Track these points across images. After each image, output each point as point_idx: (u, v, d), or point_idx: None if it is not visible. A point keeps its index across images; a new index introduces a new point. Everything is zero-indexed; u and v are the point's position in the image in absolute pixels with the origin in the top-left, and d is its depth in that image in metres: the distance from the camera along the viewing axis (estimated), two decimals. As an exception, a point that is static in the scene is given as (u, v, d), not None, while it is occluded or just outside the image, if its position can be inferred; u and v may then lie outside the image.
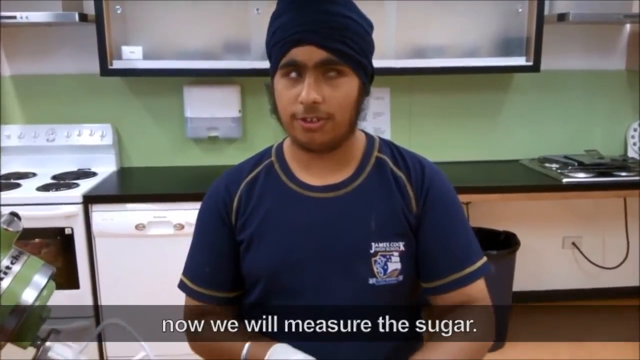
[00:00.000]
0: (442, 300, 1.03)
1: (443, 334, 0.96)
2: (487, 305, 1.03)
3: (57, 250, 2.39)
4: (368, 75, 0.99)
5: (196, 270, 1.09)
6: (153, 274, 2.32)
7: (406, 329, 1.06)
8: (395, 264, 1.00)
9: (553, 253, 3.10)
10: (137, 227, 2.35)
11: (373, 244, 0.99)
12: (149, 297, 2.18)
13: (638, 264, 3.09)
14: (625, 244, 3.06)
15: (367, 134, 1.09)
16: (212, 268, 1.08)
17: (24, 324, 0.65)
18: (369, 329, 1.01)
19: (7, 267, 0.64)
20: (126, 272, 2.38)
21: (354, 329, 1.01)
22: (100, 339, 2.42)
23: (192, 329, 1.08)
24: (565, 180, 2.46)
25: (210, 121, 2.78)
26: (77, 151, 2.78)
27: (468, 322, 0.97)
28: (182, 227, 2.35)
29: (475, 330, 0.97)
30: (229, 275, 1.07)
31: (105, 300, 2.42)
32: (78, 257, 2.37)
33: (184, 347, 1.11)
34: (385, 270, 1.00)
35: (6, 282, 0.63)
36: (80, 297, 2.38)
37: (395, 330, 1.04)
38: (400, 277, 1.01)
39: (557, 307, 3.11)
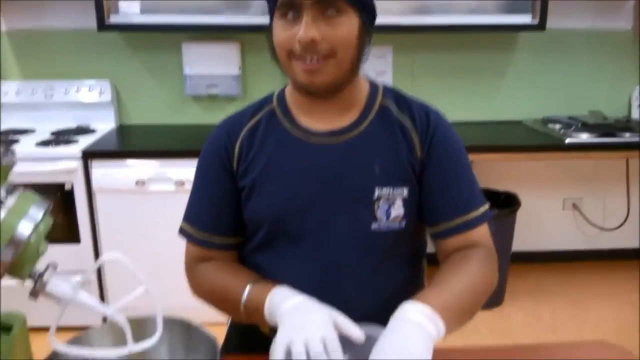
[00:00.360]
0: (447, 245, 1.03)
1: (446, 273, 0.96)
2: (491, 248, 1.03)
3: (58, 206, 2.39)
4: (369, 16, 0.96)
5: (197, 216, 1.09)
6: (154, 230, 2.33)
7: (406, 275, 1.07)
8: (398, 210, 0.99)
9: (553, 214, 3.10)
10: (137, 183, 2.35)
11: (376, 189, 0.98)
12: (149, 253, 2.19)
13: (638, 226, 3.09)
14: (626, 205, 3.06)
15: (370, 81, 1.07)
16: (213, 213, 1.07)
17: (21, 257, 0.64)
18: (369, 274, 1.01)
19: (3, 199, 0.64)
20: (127, 228, 2.39)
21: (355, 273, 1.01)
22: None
23: (193, 274, 1.09)
24: (568, 140, 2.44)
25: (210, 79, 2.74)
26: (76, 108, 2.76)
27: (472, 261, 0.98)
28: (182, 184, 2.34)
29: (478, 269, 0.97)
30: (230, 220, 1.07)
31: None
32: (78, 213, 2.38)
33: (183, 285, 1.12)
34: (388, 216, 0.99)
35: (1, 215, 0.63)
36: (81, 251, 2.40)
37: (395, 275, 1.04)
38: (403, 224, 1.00)
39: (556, 268, 3.13)
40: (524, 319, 2.70)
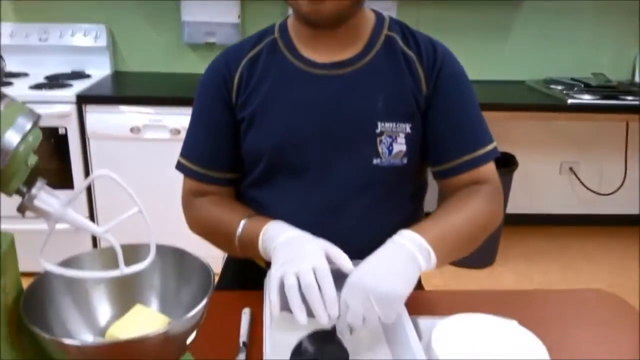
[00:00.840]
0: (453, 184, 1.01)
1: (447, 206, 0.95)
2: (498, 185, 1.01)
3: (51, 151, 2.36)
4: None
5: (194, 149, 1.06)
6: (148, 177, 2.30)
7: (406, 215, 1.05)
8: (400, 146, 0.97)
9: (549, 178, 3.10)
10: (132, 130, 2.31)
11: (379, 123, 0.96)
12: (143, 201, 2.16)
13: (634, 192, 3.09)
14: (623, 171, 3.05)
15: (376, 12, 1.03)
16: (210, 146, 1.05)
17: (8, 168, 0.62)
18: (369, 210, 1.00)
19: (-12, 107, 0.61)
20: (121, 175, 2.28)
21: (355, 209, 0.99)
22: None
23: (190, 208, 1.07)
24: (570, 101, 2.41)
25: (208, 26, 2.67)
26: (71, 52, 2.69)
27: (477, 197, 0.96)
28: (178, 132, 2.31)
29: (482, 205, 0.95)
30: (228, 154, 1.04)
31: (100, 201, 2.42)
32: (72, 158, 2.35)
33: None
34: (390, 151, 0.97)
35: (-12, 123, 0.60)
36: (75, 202, 2.37)
37: (395, 213, 1.03)
38: (405, 160, 0.98)
39: (549, 231, 3.14)
40: (514, 279, 2.72)
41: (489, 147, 1.00)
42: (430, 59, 0.98)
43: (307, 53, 0.99)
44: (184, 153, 1.07)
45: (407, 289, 0.78)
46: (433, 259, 0.82)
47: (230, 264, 1.20)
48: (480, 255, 2.78)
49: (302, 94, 0.98)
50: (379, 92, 0.96)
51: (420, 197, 1.11)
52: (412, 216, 1.07)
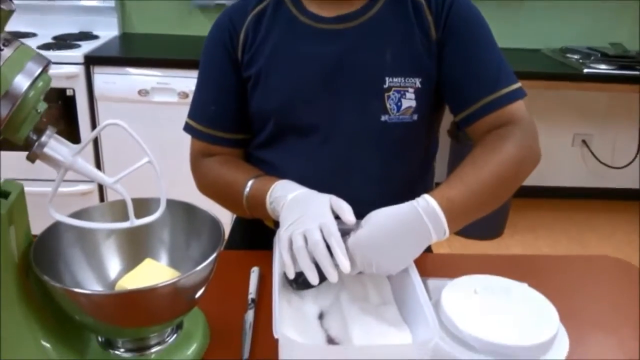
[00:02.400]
0: (479, 130, 0.95)
1: (469, 161, 0.89)
2: (529, 122, 0.94)
3: (59, 113, 2.35)
4: None
5: (202, 110, 1.05)
6: (156, 140, 2.28)
7: (416, 174, 1.04)
8: (409, 101, 0.94)
9: (562, 150, 3.06)
10: (140, 92, 2.29)
11: (387, 78, 0.93)
12: (150, 167, 2.16)
13: (646, 166, 3.06)
14: (636, 145, 3.01)
15: None
16: (217, 106, 1.03)
17: (18, 114, 0.61)
18: (379, 168, 0.98)
19: (-1, 49, 0.60)
20: (129, 140, 2.34)
21: (364, 168, 0.98)
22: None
23: (198, 169, 1.07)
24: (586, 70, 2.37)
25: (218, -12, 2.63)
26: (79, 12, 2.66)
27: (504, 143, 0.90)
28: (186, 95, 2.29)
29: (512, 151, 0.89)
30: (235, 114, 1.03)
31: (107, 164, 2.42)
32: (80, 120, 2.34)
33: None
34: (398, 107, 0.94)
35: (-4, 66, 0.59)
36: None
37: (405, 172, 1.01)
38: (415, 117, 0.96)
39: (559, 204, 3.12)
40: (522, 251, 2.72)
41: (513, 87, 0.94)
42: (439, 2, 0.94)
43: (313, 7, 0.96)
44: (192, 114, 1.06)
45: (410, 262, 0.78)
46: (446, 234, 0.80)
47: (238, 225, 1.19)
48: (488, 227, 2.78)
49: (308, 51, 0.95)
50: (387, 46, 0.93)
51: (430, 157, 1.09)
52: (422, 176, 1.05)
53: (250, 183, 0.95)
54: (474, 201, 0.84)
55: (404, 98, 0.94)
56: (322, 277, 0.76)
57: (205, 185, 1.06)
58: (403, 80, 0.93)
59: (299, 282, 0.80)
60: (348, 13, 0.95)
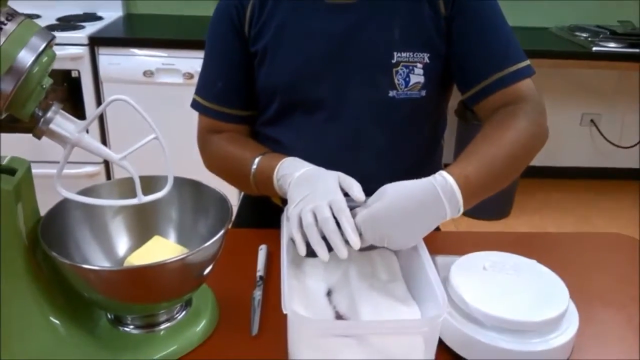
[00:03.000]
0: (487, 107, 0.95)
1: (481, 138, 0.88)
2: (538, 101, 0.94)
3: (65, 95, 2.34)
4: None
5: (209, 86, 1.04)
6: (162, 121, 2.25)
7: (424, 152, 1.03)
8: (417, 77, 0.93)
9: (570, 129, 3.04)
10: (145, 73, 2.28)
11: (395, 53, 0.92)
12: (156, 146, 2.16)
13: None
14: (645, 124, 2.99)
15: None
16: (224, 82, 1.02)
17: (23, 88, 0.60)
18: (387, 145, 0.97)
19: (2, 23, 0.59)
20: (134, 119, 2.33)
21: (372, 144, 0.97)
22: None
23: (205, 146, 1.06)
24: (595, 48, 2.34)
25: (223, -33, 2.60)
26: (82, -8, 2.64)
27: (514, 120, 0.89)
28: (191, 76, 2.27)
29: (521, 128, 0.88)
30: (242, 90, 1.02)
31: (114, 146, 2.41)
32: (86, 102, 2.34)
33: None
34: (406, 83, 0.93)
35: (0, 40, 0.58)
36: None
37: (413, 150, 1.00)
38: (423, 92, 0.95)
39: (567, 184, 3.10)
40: (528, 232, 2.70)
41: (522, 64, 0.94)
42: None
43: None
44: (198, 91, 1.05)
45: (421, 238, 0.78)
46: (460, 212, 0.79)
47: (245, 203, 1.19)
48: (495, 207, 2.77)
49: (315, 26, 0.94)
50: (394, 21, 0.92)
51: (439, 135, 1.08)
52: (430, 154, 1.04)
53: (257, 160, 0.95)
54: (489, 179, 0.83)
55: (412, 73, 0.93)
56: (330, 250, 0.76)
57: (213, 163, 1.06)
58: (411, 55, 0.92)
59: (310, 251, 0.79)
60: None
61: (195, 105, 1.06)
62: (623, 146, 3.05)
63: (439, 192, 0.76)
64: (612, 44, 2.38)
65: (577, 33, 2.57)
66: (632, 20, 2.68)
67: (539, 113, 0.93)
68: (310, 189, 0.81)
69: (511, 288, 0.77)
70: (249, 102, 1.04)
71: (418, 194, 0.77)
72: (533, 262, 0.83)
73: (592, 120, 3.01)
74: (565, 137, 3.05)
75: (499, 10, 0.95)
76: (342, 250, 0.74)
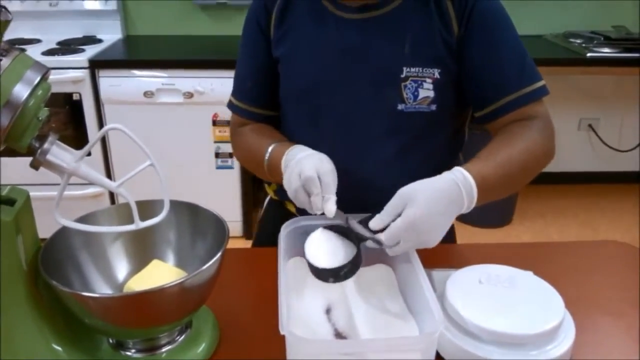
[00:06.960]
0: (499, 125, 0.97)
1: (497, 142, 0.91)
2: (549, 121, 0.96)
3: (67, 118, 2.37)
4: None
5: (240, 86, 1.09)
6: (163, 141, 2.31)
7: (436, 166, 1.03)
8: (426, 92, 0.94)
9: (568, 134, 3.05)
10: (145, 94, 2.31)
11: (404, 68, 0.94)
12: (159, 165, 2.18)
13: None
14: (643, 127, 2.99)
15: None
16: (253, 82, 1.07)
17: (19, 122, 0.62)
18: (395, 156, 0.99)
19: (-4, 60, 0.60)
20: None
21: (380, 154, 0.99)
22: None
23: (234, 137, 1.12)
24: (589, 54, 2.35)
25: (219, -14, 2.63)
26: (82, 17, 2.68)
27: (528, 131, 0.92)
28: (191, 95, 2.30)
29: (535, 139, 0.92)
30: (267, 91, 1.06)
31: (117, 167, 2.44)
32: (87, 124, 2.37)
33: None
34: (415, 97, 0.95)
35: (-4, 76, 0.60)
36: (92, 163, 2.38)
37: (426, 160, 1.01)
38: (434, 107, 0.96)
39: (568, 189, 3.10)
40: (531, 238, 2.70)
41: (537, 85, 0.94)
42: None
43: None
44: (233, 93, 1.11)
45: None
46: (469, 209, 0.83)
47: (267, 214, 1.22)
48: (497, 214, 2.77)
49: (331, 39, 0.97)
50: (406, 36, 0.94)
51: (455, 148, 1.09)
52: (441, 169, 1.05)
53: (271, 148, 0.99)
54: (501, 183, 0.87)
55: (421, 88, 0.94)
56: (336, 278, 0.79)
57: (238, 152, 1.13)
58: (420, 71, 0.94)
59: (340, 275, 0.80)
60: (373, 4, 0.95)
61: (230, 105, 1.12)
62: (622, 149, 3.05)
63: (461, 189, 0.80)
64: (606, 49, 2.40)
65: (572, 39, 2.59)
66: (625, 25, 2.70)
67: (550, 133, 0.97)
68: (294, 171, 0.86)
69: (507, 301, 0.77)
70: (276, 103, 1.08)
71: (448, 194, 0.80)
72: (529, 273, 0.84)
73: (590, 125, 3.02)
74: (564, 143, 3.06)
75: (513, 29, 0.96)
76: (317, 205, 0.82)
